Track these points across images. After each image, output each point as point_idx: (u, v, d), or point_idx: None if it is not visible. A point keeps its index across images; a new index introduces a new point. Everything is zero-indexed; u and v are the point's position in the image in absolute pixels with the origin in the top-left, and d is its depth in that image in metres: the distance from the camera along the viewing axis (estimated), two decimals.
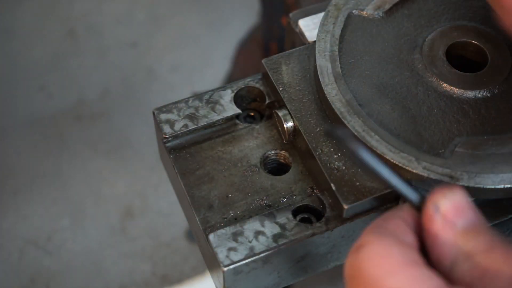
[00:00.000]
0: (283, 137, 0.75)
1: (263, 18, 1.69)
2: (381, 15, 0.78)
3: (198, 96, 0.78)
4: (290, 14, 0.82)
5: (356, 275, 0.54)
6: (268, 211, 0.71)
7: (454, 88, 0.72)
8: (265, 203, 0.72)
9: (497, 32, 0.75)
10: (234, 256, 0.68)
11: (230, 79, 1.90)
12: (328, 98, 0.72)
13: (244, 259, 0.68)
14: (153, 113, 0.77)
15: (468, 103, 0.72)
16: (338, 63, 0.74)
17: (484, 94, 0.72)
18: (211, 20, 2.10)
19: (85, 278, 1.75)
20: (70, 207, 1.83)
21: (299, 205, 0.72)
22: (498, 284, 0.52)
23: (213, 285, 0.76)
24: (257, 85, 0.78)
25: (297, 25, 0.81)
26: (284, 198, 0.73)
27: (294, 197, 0.73)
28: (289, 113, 0.74)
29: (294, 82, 0.76)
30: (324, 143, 0.71)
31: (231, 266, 0.68)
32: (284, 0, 1.48)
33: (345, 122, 0.70)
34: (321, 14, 0.78)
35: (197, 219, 0.72)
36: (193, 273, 1.76)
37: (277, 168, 0.76)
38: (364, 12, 0.77)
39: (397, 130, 0.70)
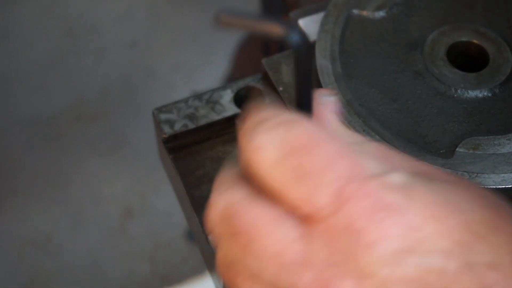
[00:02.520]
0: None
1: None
2: (381, 14, 0.77)
3: (198, 96, 0.78)
4: (290, 14, 0.82)
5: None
6: None
7: (455, 88, 0.72)
8: None
9: (498, 32, 0.75)
10: None
11: (230, 79, 1.90)
12: None
13: None
14: (153, 113, 0.77)
15: (469, 103, 0.72)
16: (338, 63, 0.74)
17: (485, 94, 0.72)
18: (211, 19, 2.10)
19: (85, 278, 1.75)
20: (69, 207, 1.83)
21: None
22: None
23: (213, 285, 0.75)
24: (257, 85, 0.78)
25: (297, 24, 0.81)
26: None
27: None
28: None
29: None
30: None
31: None
32: (284, 0, 1.48)
33: (346, 122, 0.70)
34: (321, 14, 0.78)
35: (197, 219, 0.72)
36: (193, 273, 1.76)
37: None
38: (365, 12, 0.77)
39: (398, 130, 0.70)
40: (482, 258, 0.44)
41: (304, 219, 0.45)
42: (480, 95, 0.72)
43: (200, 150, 0.76)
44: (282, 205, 0.46)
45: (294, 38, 0.46)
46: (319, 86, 0.73)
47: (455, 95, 0.72)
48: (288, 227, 0.45)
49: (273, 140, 0.46)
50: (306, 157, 0.45)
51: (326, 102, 0.51)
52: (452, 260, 0.44)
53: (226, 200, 0.48)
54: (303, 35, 0.46)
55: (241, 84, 0.78)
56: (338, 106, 0.52)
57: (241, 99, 0.79)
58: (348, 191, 0.45)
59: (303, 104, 0.50)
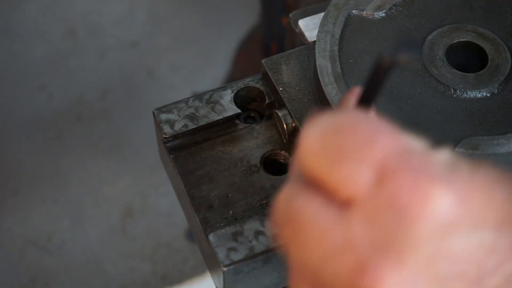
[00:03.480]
0: (283, 137, 0.75)
1: (263, 18, 1.69)
2: (381, 15, 0.78)
3: (198, 96, 0.78)
4: (290, 14, 0.82)
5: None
6: (268, 211, 0.71)
7: (454, 88, 0.72)
8: (265, 203, 0.72)
9: (497, 33, 0.76)
10: (234, 256, 0.68)
11: (230, 79, 1.90)
12: (328, 98, 0.72)
13: (244, 259, 0.68)
14: (153, 113, 0.77)
15: (468, 103, 0.72)
16: (338, 63, 0.74)
17: (484, 94, 0.72)
18: (211, 20, 2.10)
19: (85, 278, 1.75)
20: (70, 207, 1.83)
21: None
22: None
23: (213, 285, 0.76)
24: (257, 85, 0.78)
25: (297, 25, 0.81)
26: None
27: None
28: (289, 113, 0.74)
29: (294, 82, 0.76)
30: None
31: (231, 266, 0.68)
32: (284, 0, 1.49)
33: None
34: (321, 14, 0.78)
35: (197, 219, 0.72)
36: (193, 273, 1.76)
37: (277, 168, 0.76)
38: (364, 12, 0.77)
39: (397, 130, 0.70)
40: None
41: (346, 202, 0.44)
42: (479, 95, 0.72)
43: (200, 150, 0.76)
44: (326, 192, 0.45)
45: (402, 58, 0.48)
46: (319, 86, 0.73)
47: (454, 95, 0.72)
48: (330, 213, 0.44)
49: (315, 130, 0.45)
50: (346, 137, 0.44)
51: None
52: (502, 237, 0.43)
53: (284, 193, 0.47)
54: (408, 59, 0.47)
55: (241, 84, 0.79)
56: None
57: (241, 99, 0.79)
58: (390, 166, 0.43)
59: (366, 101, 0.50)
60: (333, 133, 0.45)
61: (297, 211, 0.45)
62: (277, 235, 0.47)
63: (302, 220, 0.45)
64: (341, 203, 0.44)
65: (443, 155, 0.44)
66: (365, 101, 0.50)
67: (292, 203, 0.46)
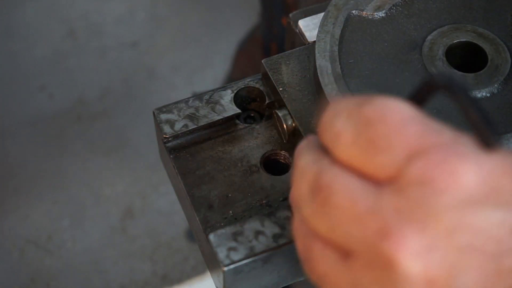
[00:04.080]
0: (283, 137, 0.75)
1: (263, 18, 1.69)
2: (381, 15, 0.78)
3: (198, 96, 0.78)
4: (290, 14, 0.82)
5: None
6: (268, 211, 0.72)
7: None
8: (265, 203, 0.72)
9: (497, 33, 0.76)
10: (234, 256, 0.68)
11: (230, 79, 1.90)
12: (328, 98, 0.72)
13: (244, 258, 0.68)
14: (153, 113, 0.77)
15: None
16: (338, 63, 0.74)
17: (484, 94, 0.72)
18: (211, 20, 2.10)
19: (85, 278, 1.75)
20: (70, 207, 1.83)
21: None
22: None
23: (213, 285, 0.76)
24: (257, 85, 0.79)
25: (297, 25, 0.81)
26: (284, 198, 0.73)
27: None
28: (289, 113, 0.74)
29: (294, 82, 0.76)
30: None
31: (231, 266, 0.68)
32: (284, 0, 1.49)
33: None
34: (321, 14, 0.79)
35: (197, 219, 0.72)
36: (193, 273, 1.76)
37: (277, 168, 0.76)
38: (364, 12, 0.77)
39: None
40: None
41: (379, 182, 0.46)
42: (479, 96, 0.72)
43: (200, 150, 0.76)
44: (359, 173, 0.47)
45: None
46: (319, 86, 0.73)
47: None
48: (363, 186, 0.46)
49: (348, 123, 0.47)
50: (377, 126, 0.46)
51: None
52: None
53: (310, 164, 0.49)
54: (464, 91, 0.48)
55: (241, 84, 0.79)
56: None
57: (241, 99, 0.79)
58: (420, 147, 0.45)
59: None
60: (364, 125, 0.47)
61: (330, 180, 0.47)
62: (304, 204, 0.48)
63: (335, 188, 0.47)
64: (375, 182, 0.46)
65: (473, 139, 0.46)
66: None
67: (325, 173, 0.48)
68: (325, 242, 0.48)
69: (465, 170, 0.44)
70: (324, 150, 0.49)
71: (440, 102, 0.72)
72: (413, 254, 0.43)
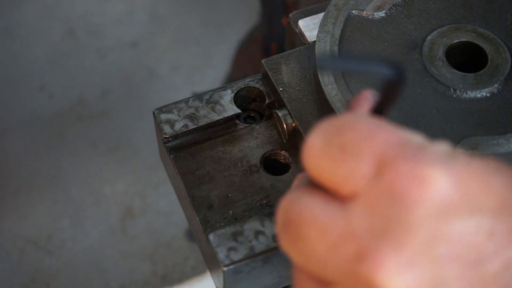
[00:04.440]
0: (283, 137, 0.75)
1: (263, 18, 1.69)
2: (381, 15, 0.78)
3: (198, 96, 0.78)
4: (290, 14, 0.82)
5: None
6: (268, 211, 0.72)
7: (454, 88, 0.72)
8: (265, 203, 0.73)
9: (497, 33, 0.76)
10: (234, 256, 0.68)
11: (230, 79, 1.90)
12: (328, 98, 0.72)
13: (244, 258, 0.68)
14: (153, 113, 0.77)
15: (468, 103, 0.72)
16: None
17: (484, 94, 0.72)
18: (211, 20, 2.10)
19: (85, 278, 1.75)
20: (70, 207, 1.83)
21: None
22: None
23: (213, 285, 0.76)
24: (257, 85, 0.79)
25: (297, 25, 0.81)
26: None
27: None
28: (289, 113, 0.74)
29: (294, 82, 0.76)
30: None
31: (231, 266, 0.68)
32: (284, 0, 1.49)
33: None
34: (321, 14, 0.79)
35: (197, 219, 0.72)
36: (193, 273, 1.76)
37: (277, 168, 0.76)
38: (364, 12, 0.77)
39: None
40: None
41: (347, 197, 0.45)
42: (479, 96, 0.72)
43: (200, 150, 0.76)
44: (328, 191, 0.46)
45: (392, 74, 0.48)
46: (319, 86, 0.73)
47: (454, 96, 0.73)
48: (331, 208, 0.45)
49: (318, 133, 0.46)
50: (346, 134, 0.45)
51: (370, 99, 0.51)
52: (502, 222, 0.43)
53: (286, 198, 0.48)
54: (401, 71, 0.48)
55: (241, 84, 0.79)
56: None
57: (241, 99, 0.79)
58: (388, 157, 0.43)
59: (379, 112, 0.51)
60: (334, 133, 0.46)
61: (298, 212, 0.46)
62: (281, 239, 0.47)
63: (304, 219, 0.45)
64: (343, 198, 0.45)
65: (440, 146, 0.45)
66: (377, 113, 0.50)
67: (294, 205, 0.47)
68: (306, 274, 0.47)
69: (434, 177, 0.42)
70: (307, 184, 0.48)
71: (440, 102, 0.72)
72: (392, 273, 0.42)
